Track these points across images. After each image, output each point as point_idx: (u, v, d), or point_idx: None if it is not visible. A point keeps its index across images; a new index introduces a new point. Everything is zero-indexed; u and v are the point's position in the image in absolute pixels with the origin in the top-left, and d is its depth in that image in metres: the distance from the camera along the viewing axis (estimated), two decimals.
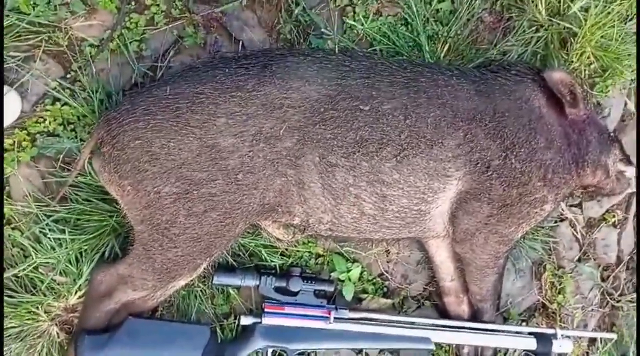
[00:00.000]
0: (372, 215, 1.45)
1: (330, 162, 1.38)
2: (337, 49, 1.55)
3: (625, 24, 1.79)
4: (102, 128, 1.38)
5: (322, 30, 1.60)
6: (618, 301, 1.97)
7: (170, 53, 1.57)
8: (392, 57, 1.60)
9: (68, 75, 1.51)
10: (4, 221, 1.46)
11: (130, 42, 1.53)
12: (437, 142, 1.43)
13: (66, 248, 1.46)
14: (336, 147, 1.37)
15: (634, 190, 1.87)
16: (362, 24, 1.63)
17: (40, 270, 1.47)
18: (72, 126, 1.51)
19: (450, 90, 1.48)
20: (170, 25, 1.55)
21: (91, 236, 1.47)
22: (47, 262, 1.46)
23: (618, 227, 1.98)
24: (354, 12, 1.64)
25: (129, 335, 1.44)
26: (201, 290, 1.61)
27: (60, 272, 1.48)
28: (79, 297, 1.50)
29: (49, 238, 1.45)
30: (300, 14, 1.61)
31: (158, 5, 1.54)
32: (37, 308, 1.46)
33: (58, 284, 1.49)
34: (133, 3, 1.53)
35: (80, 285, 1.49)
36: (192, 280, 1.52)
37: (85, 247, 1.48)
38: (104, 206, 1.50)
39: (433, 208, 1.49)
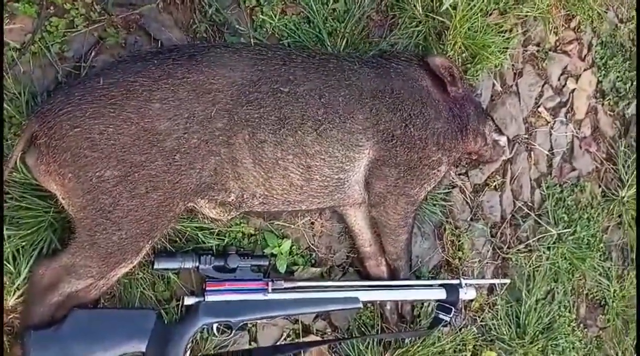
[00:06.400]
0: (299, 185, 1.62)
1: (259, 138, 1.53)
2: (252, 43, 1.72)
3: (487, 17, 2.15)
4: (35, 122, 1.42)
5: (237, 27, 1.77)
6: (507, 254, 2.30)
7: (92, 53, 1.63)
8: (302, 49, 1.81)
9: None
10: None
11: (51, 45, 1.58)
12: (349, 117, 1.64)
13: (3, 245, 1.46)
14: (263, 124, 1.53)
15: (508, 156, 2.23)
16: (272, 20, 1.81)
17: None
18: None
19: (355, 73, 1.70)
20: (90, 27, 1.62)
21: (28, 231, 1.49)
22: None
23: (499, 190, 2.33)
24: (262, 12, 1.83)
25: (75, 326, 1.46)
26: (142, 278, 1.66)
27: None
28: (18, 298, 1.50)
29: None
30: (214, 14, 1.76)
31: (77, 9, 1.61)
32: None
33: None
34: (52, 8, 1.59)
35: (19, 284, 1.49)
36: (133, 268, 1.58)
37: (23, 243, 1.49)
38: (39, 202, 1.52)
39: (351, 176, 1.69)
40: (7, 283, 1.48)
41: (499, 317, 2.19)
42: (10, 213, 1.49)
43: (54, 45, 1.59)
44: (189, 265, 1.62)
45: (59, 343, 1.44)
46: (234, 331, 1.65)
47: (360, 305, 1.77)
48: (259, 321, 1.81)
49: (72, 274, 1.45)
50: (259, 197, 1.61)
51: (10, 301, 1.49)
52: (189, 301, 1.61)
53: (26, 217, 1.50)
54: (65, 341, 1.45)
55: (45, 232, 1.52)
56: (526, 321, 2.22)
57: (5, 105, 1.50)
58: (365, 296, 1.78)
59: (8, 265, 1.47)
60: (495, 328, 2.18)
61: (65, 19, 1.61)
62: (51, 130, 1.39)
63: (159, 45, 1.71)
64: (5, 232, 1.46)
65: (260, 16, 1.82)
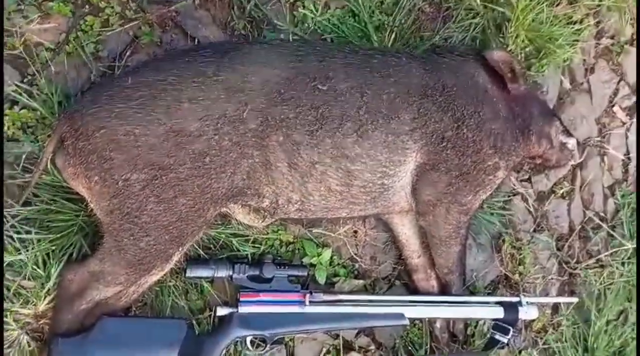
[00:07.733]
0: (338, 191, 1.50)
1: (294, 140, 1.42)
2: (291, 39, 1.62)
3: (553, 7, 1.95)
4: (64, 123, 1.38)
5: (276, 22, 1.67)
6: (575, 269, 2.07)
7: (127, 53, 1.59)
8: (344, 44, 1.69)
9: (25, 80, 1.51)
10: None
11: (86, 44, 1.54)
12: (394, 117, 1.50)
13: (33, 249, 1.43)
14: (299, 125, 1.42)
15: (578, 161, 2.01)
16: (314, 14, 1.71)
17: (6, 275, 1.43)
18: (31, 129, 1.50)
19: (401, 69, 1.57)
20: (126, 26, 1.58)
21: (58, 235, 1.45)
22: (14, 266, 1.42)
23: (567, 198, 2.11)
24: (304, 6, 1.73)
25: (104, 334, 1.42)
26: (174, 286, 1.60)
27: (27, 277, 1.45)
28: (48, 303, 1.46)
29: (14, 239, 1.42)
30: (252, 9, 1.68)
31: (112, 7, 1.57)
32: (6, 316, 1.41)
33: (25, 289, 1.45)
34: (87, 6, 1.56)
35: (49, 289, 1.45)
36: (164, 276, 1.51)
37: (53, 248, 1.45)
38: (69, 205, 1.48)
39: (395, 182, 1.55)
40: (37, 287, 1.45)
41: (564, 339, 1.98)
42: (40, 217, 1.46)
43: (89, 45, 1.56)
44: (222, 273, 1.54)
45: (87, 351, 1.40)
46: (268, 345, 1.55)
47: (407, 322, 1.62)
48: (297, 336, 1.70)
49: (100, 281, 1.40)
50: (295, 203, 1.50)
51: (41, 306, 1.46)
52: (221, 312, 1.53)
53: (56, 221, 1.47)
54: (92, 350, 1.40)
55: (75, 236, 1.49)
56: (595, 345, 2.00)
57: (38, 106, 1.48)
58: (412, 312, 1.63)
59: (38, 270, 1.44)
60: (559, 351, 1.96)
61: (100, 17, 1.57)
62: (78, 132, 1.34)
63: (196, 43, 1.64)
64: (34, 236, 1.43)
65: (302, 10, 1.72)
